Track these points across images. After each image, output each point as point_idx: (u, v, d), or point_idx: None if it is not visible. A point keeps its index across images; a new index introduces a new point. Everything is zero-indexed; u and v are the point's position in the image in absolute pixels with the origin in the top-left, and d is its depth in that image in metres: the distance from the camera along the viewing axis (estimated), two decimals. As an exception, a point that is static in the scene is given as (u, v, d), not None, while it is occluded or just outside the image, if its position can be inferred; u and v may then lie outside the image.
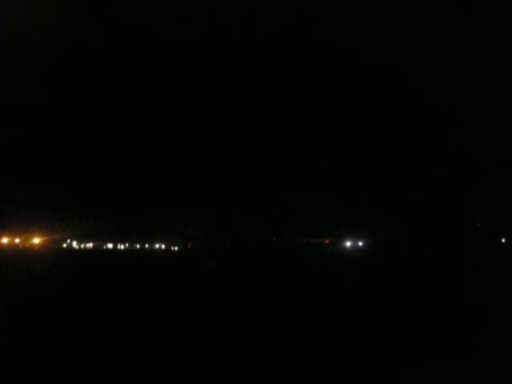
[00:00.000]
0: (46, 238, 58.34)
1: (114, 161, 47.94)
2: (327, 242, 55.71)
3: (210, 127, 44.46)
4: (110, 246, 67.25)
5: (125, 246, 68.03)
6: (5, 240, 56.30)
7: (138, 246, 67.06)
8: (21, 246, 56.55)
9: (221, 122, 43.62)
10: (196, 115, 43.16)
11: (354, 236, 56.25)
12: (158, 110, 42.01)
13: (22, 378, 6.38)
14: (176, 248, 59.88)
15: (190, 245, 54.26)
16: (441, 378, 6.44)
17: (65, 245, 62.30)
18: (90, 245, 67.13)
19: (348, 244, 56.88)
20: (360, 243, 57.50)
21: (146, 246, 66.23)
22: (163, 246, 64.63)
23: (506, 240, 46.97)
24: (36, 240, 58.67)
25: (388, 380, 6.49)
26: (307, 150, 45.86)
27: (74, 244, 64.76)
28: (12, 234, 56.26)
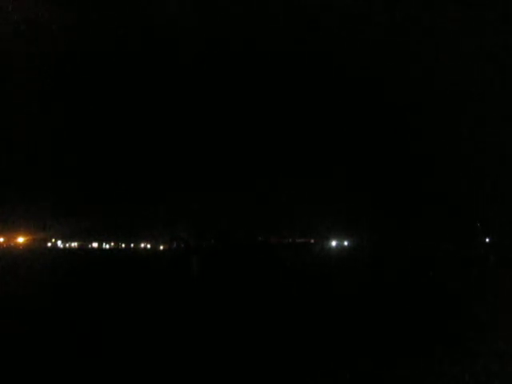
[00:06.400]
0: (30, 237, 57.83)
1: (100, 161, 47.72)
2: (313, 241, 56.08)
3: (196, 127, 44.50)
4: (95, 245, 66.81)
5: (110, 245, 67.61)
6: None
7: (123, 246, 66.72)
8: (5, 246, 55.99)
9: (207, 122, 43.69)
10: (183, 117, 43.19)
11: (340, 236, 56.74)
12: (144, 111, 41.96)
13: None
14: (161, 247, 59.81)
15: (175, 244, 54.25)
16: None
17: (49, 244, 61.81)
18: (74, 244, 66.64)
19: (333, 243, 57.35)
20: (346, 243, 58.03)
21: (132, 245, 65.95)
22: (149, 246, 64.43)
23: (489, 240, 47.77)
24: (20, 239, 58.14)
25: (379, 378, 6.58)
26: (294, 153, 46.16)
27: (59, 243, 64.26)
28: (-4, 234, 55.71)
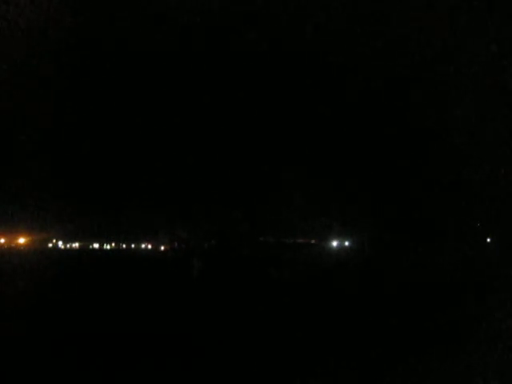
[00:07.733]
0: (31, 237, 57.83)
1: (100, 160, 47.67)
2: (313, 241, 55.94)
3: (198, 126, 44.44)
4: (96, 245, 66.84)
5: (111, 245, 67.64)
6: (-11, 240, 55.78)
7: (124, 246, 66.74)
8: (5, 246, 56.01)
9: (208, 121, 43.62)
10: (178, 116, 43.12)
11: (341, 236, 56.58)
12: (141, 110, 41.90)
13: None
14: (162, 248, 59.79)
15: (175, 245, 54.18)
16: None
17: (50, 245, 61.81)
18: (75, 245, 66.64)
19: (334, 244, 57.16)
20: (346, 243, 57.84)
21: (132, 245, 65.97)
22: (149, 246, 64.45)
23: (490, 240, 47.63)
24: (21, 240, 58.14)
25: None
26: (293, 151, 46.05)
27: (60, 244, 64.27)
28: (-4, 234, 55.72)
